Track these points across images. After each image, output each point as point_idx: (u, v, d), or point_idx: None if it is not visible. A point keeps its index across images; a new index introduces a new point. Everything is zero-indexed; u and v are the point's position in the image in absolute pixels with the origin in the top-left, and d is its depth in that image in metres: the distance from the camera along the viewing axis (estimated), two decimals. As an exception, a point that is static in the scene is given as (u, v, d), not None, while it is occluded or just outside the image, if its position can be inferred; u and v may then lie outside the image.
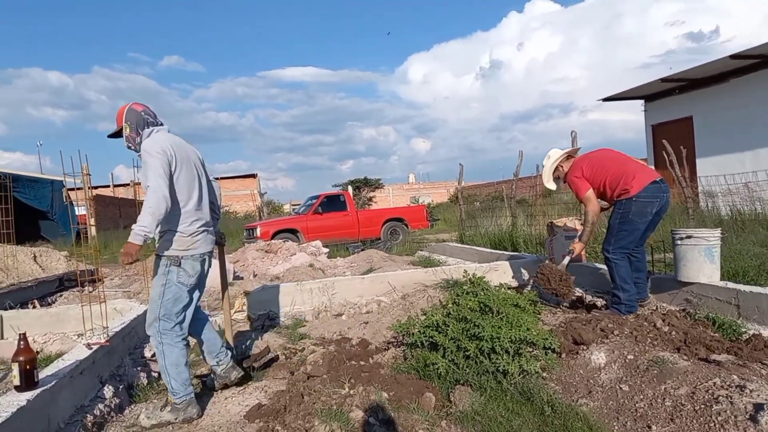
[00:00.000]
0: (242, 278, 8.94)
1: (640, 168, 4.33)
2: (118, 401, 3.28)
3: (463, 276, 3.91)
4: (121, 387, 3.46)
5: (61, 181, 22.66)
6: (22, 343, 2.57)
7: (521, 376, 3.14)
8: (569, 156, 4.63)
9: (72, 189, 24.15)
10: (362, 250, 11.89)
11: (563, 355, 3.51)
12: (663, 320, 3.78)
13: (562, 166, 4.59)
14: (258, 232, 13.40)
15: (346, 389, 3.06)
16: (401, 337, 4.17)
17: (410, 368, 3.43)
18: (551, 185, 4.73)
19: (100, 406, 3.16)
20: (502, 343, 3.13)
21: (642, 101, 13.81)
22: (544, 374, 3.25)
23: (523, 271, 6.21)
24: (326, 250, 11.24)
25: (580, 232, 4.63)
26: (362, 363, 3.62)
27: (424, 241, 12.77)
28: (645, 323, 3.75)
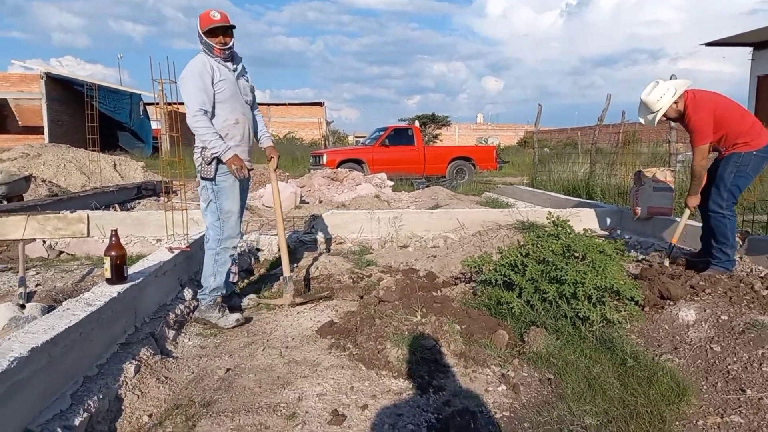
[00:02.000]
0: (308, 203, 9.08)
1: (758, 121, 3.90)
2: (196, 304, 3.41)
3: (547, 217, 3.72)
4: (198, 290, 3.58)
5: (139, 94, 23.49)
6: (113, 239, 2.65)
7: (602, 325, 3.00)
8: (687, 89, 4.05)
9: (149, 103, 25.05)
10: (427, 186, 11.74)
11: (646, 309, 3.32)
12: (761, 283, 3.48)
13: (677, 102, 3.96)
14: (324, 159, 13.46)
15: (418, 317, 3.03)
16: (471, 274, 4.09)
17: (481, 305, 3.36)
18: (654, 120, 4.12)
19: (181, 306, 3.29)
20: (585, 289, 2.97)
21: (750, 49, 12.48)
22: (626, 326, 3.09)
23: (607, 219, 5.91)
24: (391, 183, 11.18)
25: (690, 187, 4.15)
26: (433, 294, 3.57)
27: (491, 183, 12.46)
28: (741, 284, 3.47)
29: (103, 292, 2.56)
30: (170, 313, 3.10)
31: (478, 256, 3.77)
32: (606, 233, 5.62)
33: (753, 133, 3.77)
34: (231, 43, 3.19)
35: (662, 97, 3.88)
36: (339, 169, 12.02)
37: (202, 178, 3.22)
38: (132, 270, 3.01)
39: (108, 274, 2.69)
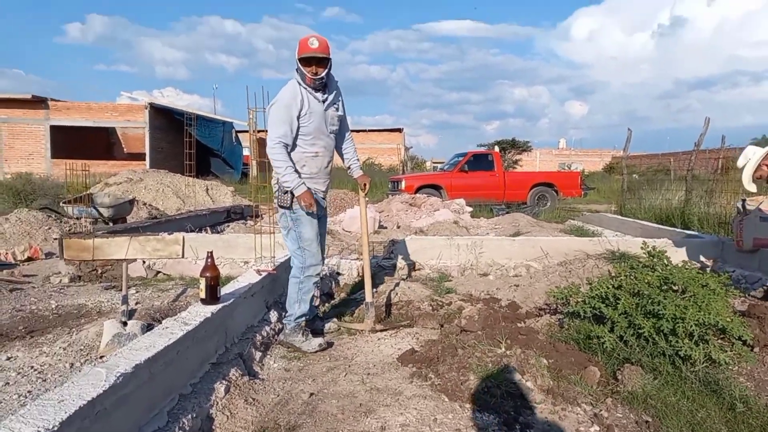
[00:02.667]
0: (386, 228, 9.16)
1: None
2: (281, 326, 3.50)
3: (642, 247, 3.51)
4: (283, 314, 3.69)
5: (232, 122, 24.97)
6: (209, 260, 2.79)
7: (705, 365, 2.76)
8: None
9: (240, 131, 26.52)
10: (507, 212, 11.51)
11: (756, 349, 3.04)
12: None
13: (765, 165, 3.96)
14: (403, 185, 13.56)
15: (503, 349, 2.94)
16: (557, 305, 3.93)
17: (569, 338, 3.21)
18: (752, 187, 4.09)
19: (267, 328, 3.39)
20: (686, 325, 2.76)
21: None
22: (734, 367, 2.83)
23: (707, 251, 5.51)
24: (470, 209, 11.06)
25: None
26: (519, 325, 3.46)
27: (575, 211, 12.00)
28: None
29: (198, 312, 2.69)
30: (257, 335, 3.20)
31: (565, 286, 3.62)
32: (707, 266, 5.22)
33: None
34: (323, 74, 3.15)
35: (746, 164, 4.02)
36: (417, 195, 12.06)
37: (280, 206, 3.27)
38: (224, 291, 3.14)
39: (203, 295, 2.82)
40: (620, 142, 10.82)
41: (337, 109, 3.39)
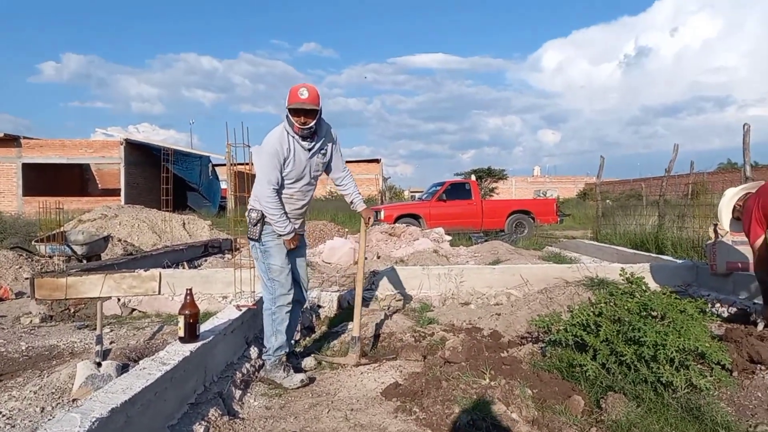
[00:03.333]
0: (366, 258, 9.13)
1: None
2: (261, 362, 3.43)
3: (620, 274, 3.56)
4: (263, 349, 3.62)
5: (209, 156, 24.91)
6: (188, 297, 2.74)
7: (687, 390, 2.78)
8: (747, 192, 4.10)
9: (217, 165, 26.40)
10: (485, 240, 11.59)
11: (735, 374, 3.07)
12: None
13: (739, 205, 4.10)
14: (382, 215, 13.61)
15: (487, 380, 2.92)
16: (538, 333, 3.94)
17: (552, 367, 3.21)
18: (732, 226, 4.22)
19: (247, 365, 3.33)
20: (666, 352, 2.79)
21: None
22: (714, 392, 2.86)
23: (681, 275, 5.61)
24: (449, 237, 11.12)
25: (763, 299, 4.03)
26: (502, 354, 3.45)
27: (552, 237, 12.15)
28: (844, 348, 3.17)
29: (177, 351, 2.63)
30: (237, 372, 3.13)
31: (547, 314, 3.65)
32: (681, 290, 5.31)
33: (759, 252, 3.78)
34: (311, 124, 3.17)
35: (721, 206, 4.20)
36: (396, 224, 12.10)
37: (249, 239, 3.33)
38: (203, 328, 3.08)
39: (181, 333, 2.76)
40: (593, 168, 11.16)
41: (324, 155, 3.42)
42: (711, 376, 2.92)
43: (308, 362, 3.63)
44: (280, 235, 3.27)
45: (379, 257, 9.41)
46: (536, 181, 51.03)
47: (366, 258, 9.01)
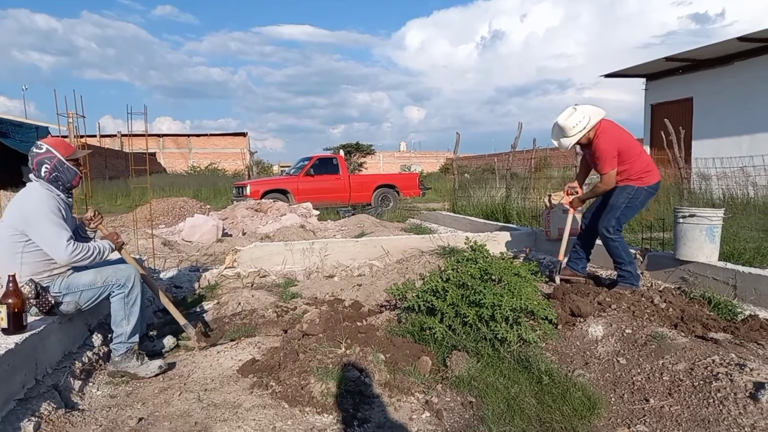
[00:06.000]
0: (231, 236, 8.85)
1: (652, 161, 4.38)
2: (106, 350, 3.21)
3: (465, 243, 3.84)
4: (109, 336, 3.37)
5: (47, 127, 22.20)
6: (11, 285, 2.47)
7: (519, 344, 3.12)
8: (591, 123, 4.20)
9: (58, 136, 23.65)
10: (353, 214, 11.81)
11: (560, 327, 3.49)
12: (660, 297, 3.77)
13: (589, 130, 4.18)
14: (248, 190, 13.24)
15: (343, 349, 3.02)
16: (396, 301, 4.14)
17: (405, 332, 3.40)
18: (569, 144, 4.23)
19: (89, 353, 3.09)
20: (502, 311, 3.09)
21: (644, 80, 13.67)
22: (541, 344, 3.23)
23: (522, 242, 6.18)
24: (317, 212, 11.15)
25: (584, 194, 4.51)
26: (358, 324, 3.58)
27: (414, 209, 12.71)
28: (642, 299, 3.74)
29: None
30: (77, 362, 2.89)
31: (402, 283, 3.83)
32: (522, 255, 5.88)
33: (647, 171, 4.17)
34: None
35: (579, 124, 4.12)
36: (263, 200, 11.85)
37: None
38: (33, 317, 2.79)
39: (4, 324, 2.49)
40: (453, 144, 11.84)
41: None
42: (540, 330, 3.29)
43: (168, 341, 3.45)
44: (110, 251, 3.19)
45: (244, 233, 9.17)
46: (402, 157, 52.79)
47: (230, 235, 8.79)
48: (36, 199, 2.94)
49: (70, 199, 3.21)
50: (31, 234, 2.88)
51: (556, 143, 4.38)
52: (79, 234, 3.29)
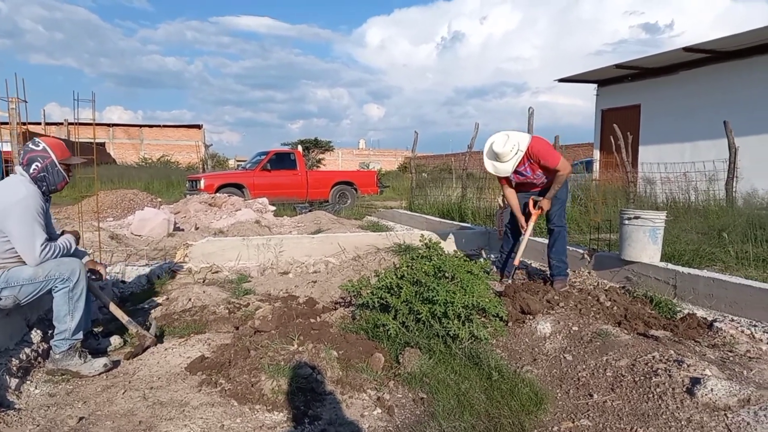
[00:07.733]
0: (183, 230, 8.63)
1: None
2: (46, 347, 3.07)
3: (420, 240, 3.87)
4: (49, 332, 3.23)
5: (-14, 112, 21.00)
6: (-60, 277, 2.32)
7: (470, 341, 3.17)
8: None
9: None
10: (310, 211, 11.72)
11: (510, 324, 3.57)
12: (606, 296, 3.91)
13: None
14: (202, 184, 12.93)
15: (295, 346, 2.99)
16: (350, 298, 4.13)
17: (359, 329, 3.40)
18: (509, 169, 4.38)
19: (27, 350, 2.95)
20: (455, 308, 3.13)
21: (595, 85, 14.13)
22: (492, 341, 3.29)
23: (476, 240, 6.28)
24: (273, 208, 11.01)
25: (550, 192, 4.60)
26: (312, 321, 3.55)
27: (372, 207, 12.73)
28: (589, 297, 3.87)
29: (-75, 341, 2.22)
30: (13, 359, 2.76)
31: (357, 280, 3.83)
32: (475, 253, 5.97)
33: (568, 167, 4.46)
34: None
35: (514, 147, 4.29)
36: (217, 194, 11.60)
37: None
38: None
39: (-68, 320, 2.34)
40: (412, 143, 11.94)
41: None
42: (491, 327, 3.36)
43: (115, 341, 3.33)
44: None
45: (197, 228, 8.95)
46: (361, 154, 52.79)
47: (182, 230, 8.58)
48: (24, 193, 2.86)
49: (48, 204, 3.11)
50: (5, 226, 2.79)
51: (491, 170, 4.48)
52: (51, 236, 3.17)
